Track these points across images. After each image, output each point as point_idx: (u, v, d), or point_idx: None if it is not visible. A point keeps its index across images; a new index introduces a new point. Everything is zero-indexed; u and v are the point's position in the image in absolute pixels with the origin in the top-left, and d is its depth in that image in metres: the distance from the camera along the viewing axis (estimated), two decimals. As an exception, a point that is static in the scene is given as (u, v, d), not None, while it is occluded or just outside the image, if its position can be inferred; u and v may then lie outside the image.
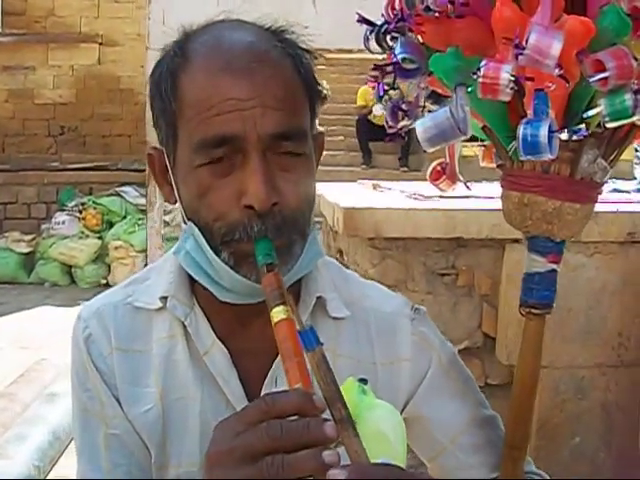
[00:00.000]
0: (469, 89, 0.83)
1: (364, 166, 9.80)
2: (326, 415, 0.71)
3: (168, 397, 0.99)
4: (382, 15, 0.96)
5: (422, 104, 0.96)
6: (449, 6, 0.82)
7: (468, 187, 1.09)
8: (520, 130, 0.80)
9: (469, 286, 2.74)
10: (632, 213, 2.66)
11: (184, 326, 1.00)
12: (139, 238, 8.06)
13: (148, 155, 1.00)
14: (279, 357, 0.97)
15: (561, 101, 0.84)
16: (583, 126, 0.82)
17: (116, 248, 8.07)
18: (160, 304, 1.01)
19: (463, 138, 0.85)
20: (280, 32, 0.96)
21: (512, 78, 0.77)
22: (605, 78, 0.77)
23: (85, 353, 1.01)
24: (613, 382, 2.71)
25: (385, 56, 0.98)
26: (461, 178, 1.11)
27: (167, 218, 8.49)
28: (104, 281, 8.07)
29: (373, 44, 1.00)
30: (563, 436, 2.67)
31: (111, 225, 8.39)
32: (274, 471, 0.67)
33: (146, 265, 2.58)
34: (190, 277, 0.99)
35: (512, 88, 0.78)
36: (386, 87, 0.97)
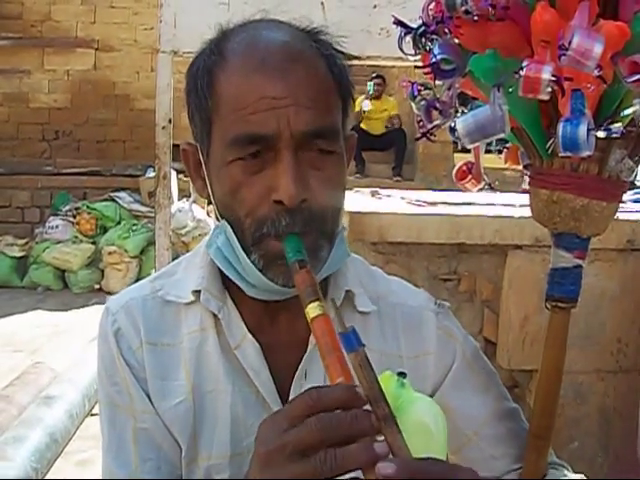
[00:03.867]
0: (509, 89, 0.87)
1: (358, 175, 9.83)
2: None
3: (199, 390, 1.00)
4: (420, 17, 0.99)
5: (455, 104, 1.00)
6: (490, 9, 0.86)
7: (492, 187, 1.13)
8: (560, 128, 0.84)
9: (470, 292, 2.77)
10: (631, 221, 2.70)
11: (215, 319, 1.01)
12: (133, 243, 8.05)
13: (182, 150, 1.03)
14: (309, 351, 1.00)
15: (593, 101, 0.88)
16: (619, 125, 0.86)
17: (110, 253, 8.03)
18: (192, 298, 1.02)
19: (501, 135, 0.89)
20: (315, 33, 0.99)
21: (553, 78, 0.81)
22: (641, 79, 0.81)
23: (115, 347, 1.02)
24: (611, 387, 2.75)
25: (419, 57, 1.02)
26: (486, 179, 1.15)
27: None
28: (97, 286, 8.03)
29: (406, 46, 1.04)
30: (562, 440, 2.69)
31: (105, 230, 8.36)
32: (328, 466, 0.68)
33: (155, 269, 2.60)
34: (222, 271, 1.02)
35: (552, 87, 0.81)
36: (420, 88, 1.01)
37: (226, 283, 1.03)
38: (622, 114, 0.87)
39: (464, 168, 1.15)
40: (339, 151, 0.95)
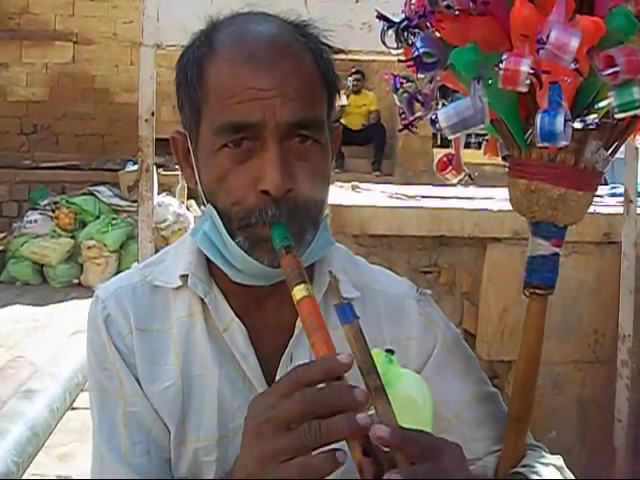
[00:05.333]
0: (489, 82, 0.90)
1: (337, 170, 9.85)
2: (361, 384, 0.75)
3: (188, 374, 1.02)
4: (402, 12, 1.02)
5: (437, 96, 1.02)
6: (471, 4, 0.89)
7: (472, 178, 1.16)
8: (538, 119, 0.87)
9: (450, 284, 2.81)
10: (608, 215, 2.75)
11: (203, 304, 1.04)
12: (112, 238, 8.01)
13: (172, 139, 1.05)
14: (295, 335, 1.03)
15: (570, 94, 0.91)
16: (595, 117, 0.89)
17: (89, 248, 7.98)
18: (180, 282, 1.05)
19: (481, 126, 0.91)
20: (303, 27, 1.01)
21: (531, 71, 0.84)
22: (616, 72, 0.85)
23: (105, 333, 1.04)
24: (589, 378, 2.79)
25: (401, 51, 1.04)
26: (466, 170, 1.18)
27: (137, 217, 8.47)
28: (76, 281, 7.98)
29: (389, 40, 1.06)
30: (540, 430, 2.73)
31: (84, 224, 8.30)
32: (312, 436, 0.71)
33: (137, 261, 2.60)
34: (207, 258, 1.04)
35: (530, 80, 0.84)
36: (402, 80, 1.04)
37: (212, 271, 1.05)
38: (598, 106, 0.90)
39: (444, 159, 1.18)
40: (324, 142, 0.98)
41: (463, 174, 1.17)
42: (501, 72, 0.85)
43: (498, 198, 2.91)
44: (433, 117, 1.10)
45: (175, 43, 2.33)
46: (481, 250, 2.76)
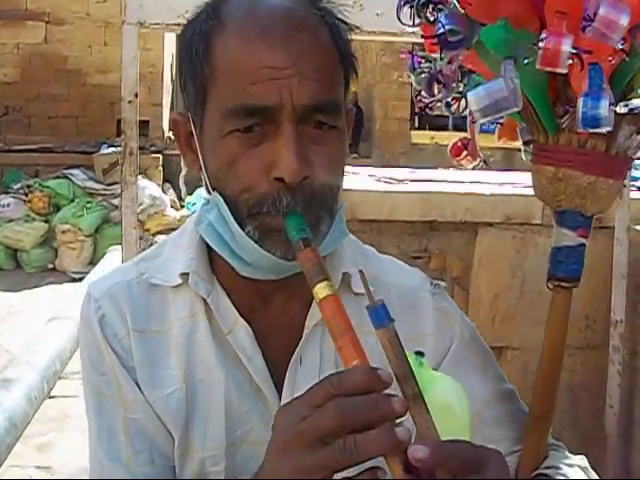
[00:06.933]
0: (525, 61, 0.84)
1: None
2: (397, 392, 0.69)
3: (191, 378, 0.96)
4: (424, -14, 0.95)
5: (458, 77, 0.96)
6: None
7: (487, 164, 1.10)
8: (580, 103, 0.81)
9: (440, 269, 2.77)
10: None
11: (205, 304, 0.97)
12: (87, 222, 7.92)
13: (173, 120, 0.97)
14: (305, 336, 0.96)
15: (607, 76, 0.85)
16: (638, 101, 0.84)
17: (64, 232, 7.88)
18: (180, 280, 0.97)
19: (515, 110, 0.85)
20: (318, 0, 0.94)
21: (573, 50, 0.78)
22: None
23: (100, 335, 0.96)
24: (579, 363, 2.77)
25: (418, 29, 0.98)
26: (481, 155, 1.12)
27: (116, 201, 8.37)
28: (51, 265, 7.89)
29: (403, 16, 0.99)
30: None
31: (58, 208, 8.20)
32: (348, 453, 0.65)
33: (122, 250, 2.52)
34: (209, 252, 0.97)
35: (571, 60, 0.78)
36: (420, 60, 0.97)
37: (214, 265, 0.98)
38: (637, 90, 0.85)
39: (459, 144, 1.12)
40: (341, 126, 0.91)
41: (478, 159, 1.11)
42: (540, 52, 0.79)
43: (487, 181, 2.88)
44: (450, 100, 1.04)
45: (159, 22, 2.25)
46: (472, 235, 2.72)
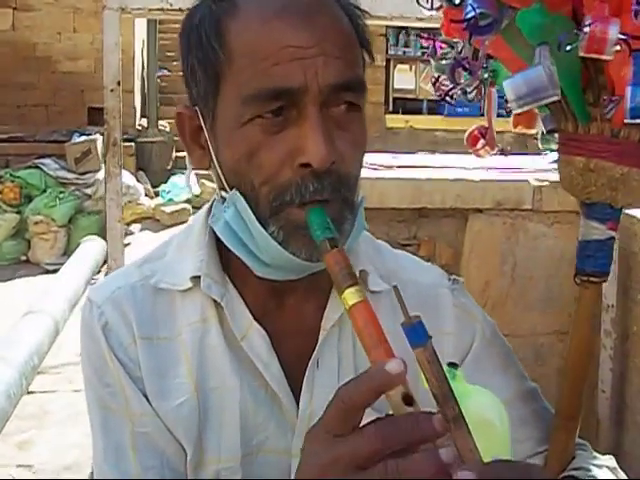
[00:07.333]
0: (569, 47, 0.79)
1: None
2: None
3: (203, 387, 0.90)
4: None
5: (484, 64, 0.91)
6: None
7: (505, 154, 1.05)
8: (628, 92, 0.76)
9: (430, 256, 2.73)
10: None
11: (217, 308, 0.91)
12: (60, 212, 7.77)
13: (177, 114, 0.91)
14: (322, 339, 0.91)
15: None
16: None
17: (36, 223, 7.73)
18: (190, 284, 0.91)
19: (554, 99, 0.80)
20: None
21: (621, 36, 0.73)
22: None
23: (104, 344, 0.90)
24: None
25: (438, 12, 0.92)
26: (499, 145, 1.07)
27: (89, 191, 8.24)
28: (24, 257, 7.73)
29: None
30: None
31: (30, 199, 8.02)
32: (390, 479, 0.61)
33: (107, 244, 2.45)
34: (220, 253, 0.92)
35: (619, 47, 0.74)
36: (442, 45, 0.92)
37: (226, 266, 0.93)
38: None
39: (476, 133, 1.07)
40: (363, 108, 0.87)
41: (496, 149, 1.07)
42: (585, 38, 0.74)
43: (472, 167, 2.84)
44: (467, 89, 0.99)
45: (141, 6, 2.18)
46: (462, 221, 2.68)
